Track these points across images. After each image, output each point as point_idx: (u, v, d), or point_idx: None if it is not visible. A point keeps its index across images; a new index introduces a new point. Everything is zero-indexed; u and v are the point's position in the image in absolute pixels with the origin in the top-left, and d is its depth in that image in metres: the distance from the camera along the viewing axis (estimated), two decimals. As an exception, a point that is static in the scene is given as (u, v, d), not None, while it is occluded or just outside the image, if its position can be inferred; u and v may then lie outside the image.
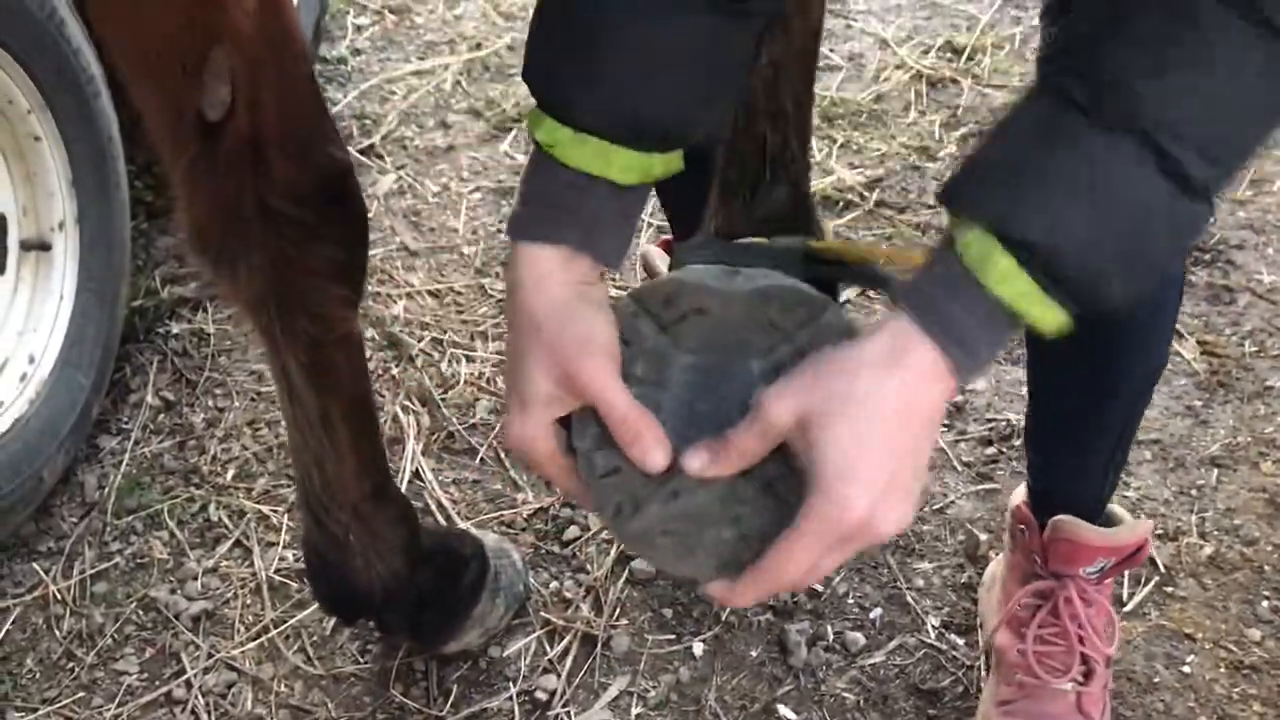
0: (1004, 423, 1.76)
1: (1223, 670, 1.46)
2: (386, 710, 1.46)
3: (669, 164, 0.82)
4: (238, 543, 1.66)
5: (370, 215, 1.45)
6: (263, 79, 1.08)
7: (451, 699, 1.47)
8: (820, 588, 1.57)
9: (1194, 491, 1.65)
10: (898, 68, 2.46)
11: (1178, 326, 1.87)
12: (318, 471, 1.32)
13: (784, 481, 0.77)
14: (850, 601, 1.55)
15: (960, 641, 1.50)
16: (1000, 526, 1.62)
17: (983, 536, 1.61)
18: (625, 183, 0.80)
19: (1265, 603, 1.52)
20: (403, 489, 1.70)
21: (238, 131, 1.11)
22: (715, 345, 0.81)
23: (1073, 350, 1.15)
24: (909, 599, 1.55)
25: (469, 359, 1.90)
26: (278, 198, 1.16)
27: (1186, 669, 1.46)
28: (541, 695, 1.47)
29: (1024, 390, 1.79)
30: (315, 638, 1.55)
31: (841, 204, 2.16)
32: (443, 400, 1.84)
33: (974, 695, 1.44)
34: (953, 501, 1.67)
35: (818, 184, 2.21)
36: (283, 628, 1.55)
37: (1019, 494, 1.42)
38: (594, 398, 0.79)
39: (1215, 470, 1.68)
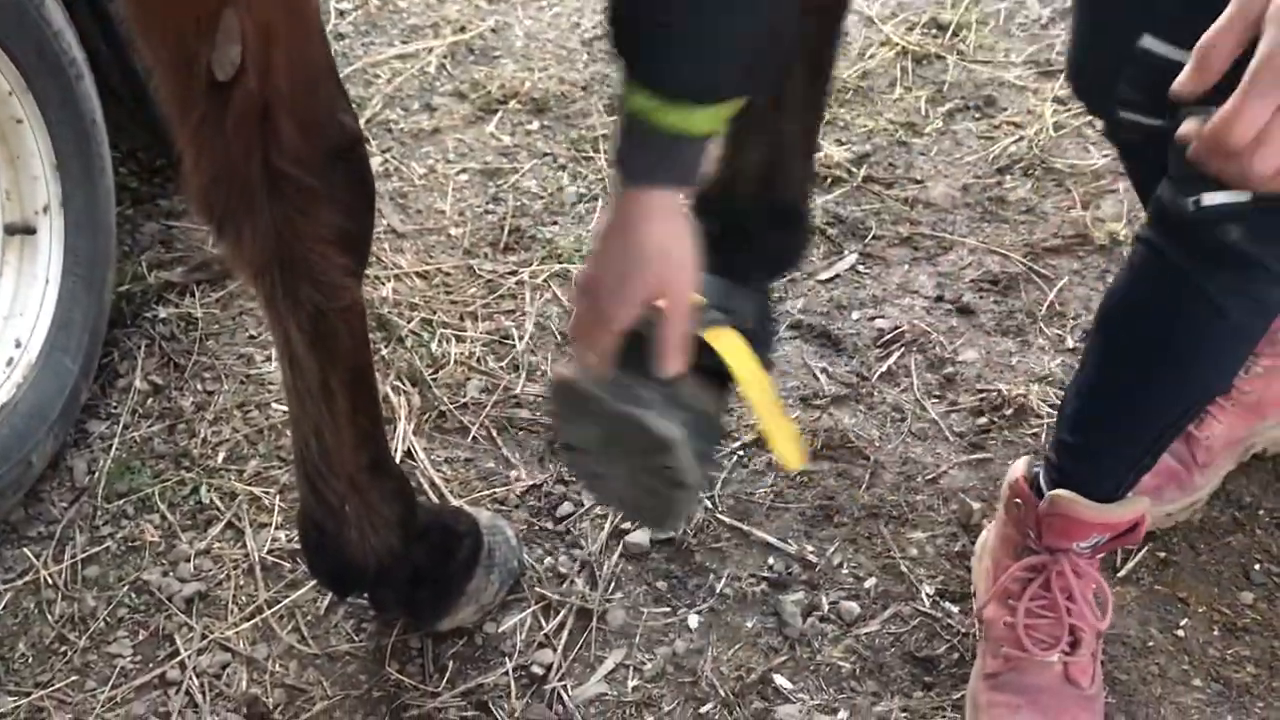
0: (995, 393, 1.76)
1: (1216, 633, 1.46)
2: (382, 688, 1.46)
3: (734, 110, 1.01)
4: (229, 524, 1.66)
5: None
6: (274, 40, 1.06)
7: (447, 675, 1.47)
8: (814, 559, 1.57)
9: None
10: (883, 44, 2.46)
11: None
12: (316, 441, 1.32)
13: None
14: (845, 572, 1.55)
15: (955, 609, 1.50)
16: (993, 495, 1.63)
17: (975, 505, 1.61)
18: (703, 133, 1.00)
19: (1258, 566, 1.53)
20: (395, 469, 1.69)
21: (247, 93, 1.10)
22: None
23: (1156, 354, 1.18)
24: (903, 568, 1.55)
25: (459, 339, 1.90)
26: (285, 162, 1.16)
27: (1180, 632, 1.47)
28: (538, 670, 1.47)
29: (1013, 361, 1.80)
30: (309, 617, 1.54)
31: (829, 180, 2.16)
32: (433, 380, 1.83)
33: (969, 662, 1.44)
34: (945, 471, 1.67)
35: (805, 160, 2.21)
36: (276, 608, 1.55)
37: (1018, 468, 1.41)
38: (672, 306, 1.05)
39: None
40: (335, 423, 1.31)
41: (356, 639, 1.52)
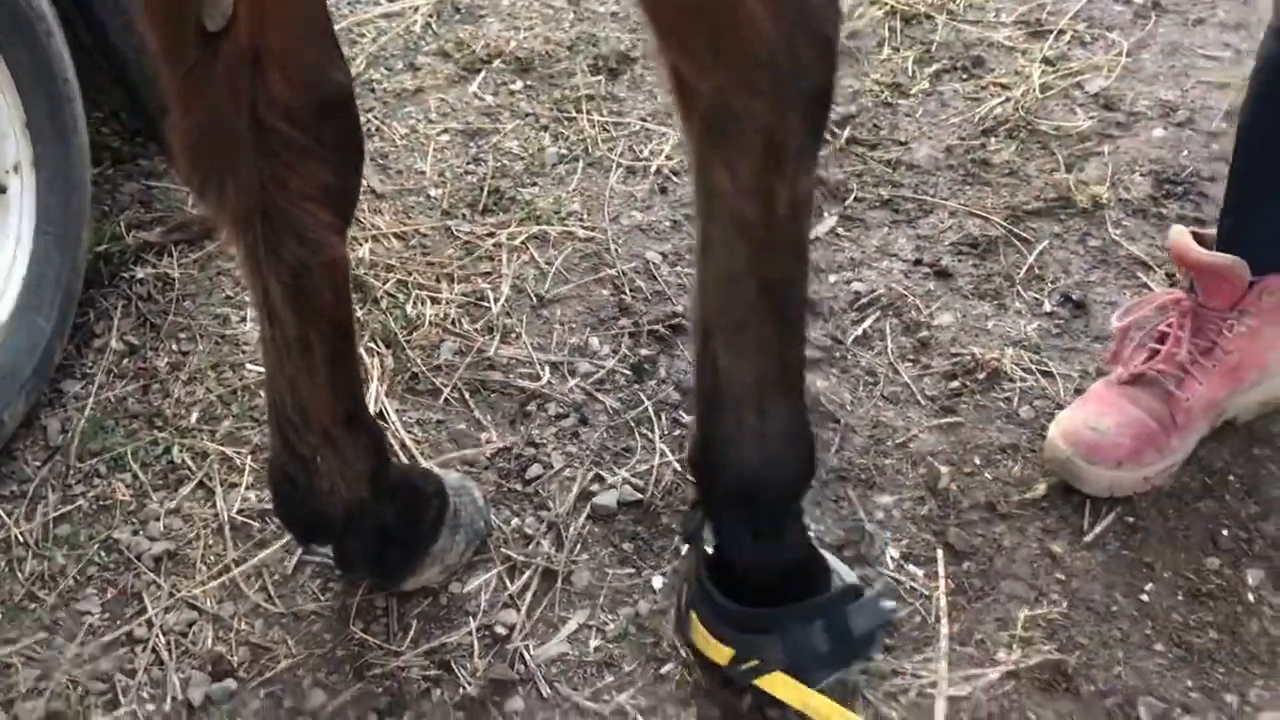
0: (968, 357, 1.75)
1: (1180, 598, 1.46)
2: (346, 647, 1.47)
3: None
4: (200, 484, 1.66)
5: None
6: None
7: (411, 634, 1.47)
8: (781, 522, 1.57)
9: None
10: (872, 3, 2.43)
11: (1144, 258, 1.87)
12: (291, 393, 1.32)
13: None
14: (810, 534, 1.55)
15: (919, 572, 1.50)
16: (962, 459, 1.62)
17: (944, 469, 1.60)
18: None
19: (1225, 532, 1.52)
20: (366, 430, 1.69)
21: (237, 45, 1.10)
22: None
23: None
24: (869, 530, 1.55)
25: (434, 301, 1.89)
26: (273, 116, 1.16)
27: (1145, 597, 1.46)
28: (501, 630, 1.47)
29: (989, 325, 1.79)
30: (277, 577, 1.55)
31: (812, 141, 2.14)
32: (407, 342, 1.83)
33: (931, 626, 1.44)
34: (915, 435, 1.66)
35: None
36: (244, 567, 1.55)
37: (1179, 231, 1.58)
38: None
39: (1180, 401, 1.67)
40: (311, 376, 1.31)
41: (322, 598, 1.52)
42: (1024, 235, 1.93)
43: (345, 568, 1.51)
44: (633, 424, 1.70)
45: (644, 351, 1.80)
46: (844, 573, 1.43)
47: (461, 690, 1.41)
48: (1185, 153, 2.05)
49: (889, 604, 1.36)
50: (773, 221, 1.11)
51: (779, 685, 1.29)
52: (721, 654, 1.32)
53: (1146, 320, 1.61)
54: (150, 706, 1.42)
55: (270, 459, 1.39)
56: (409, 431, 1.71)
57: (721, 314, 1.18)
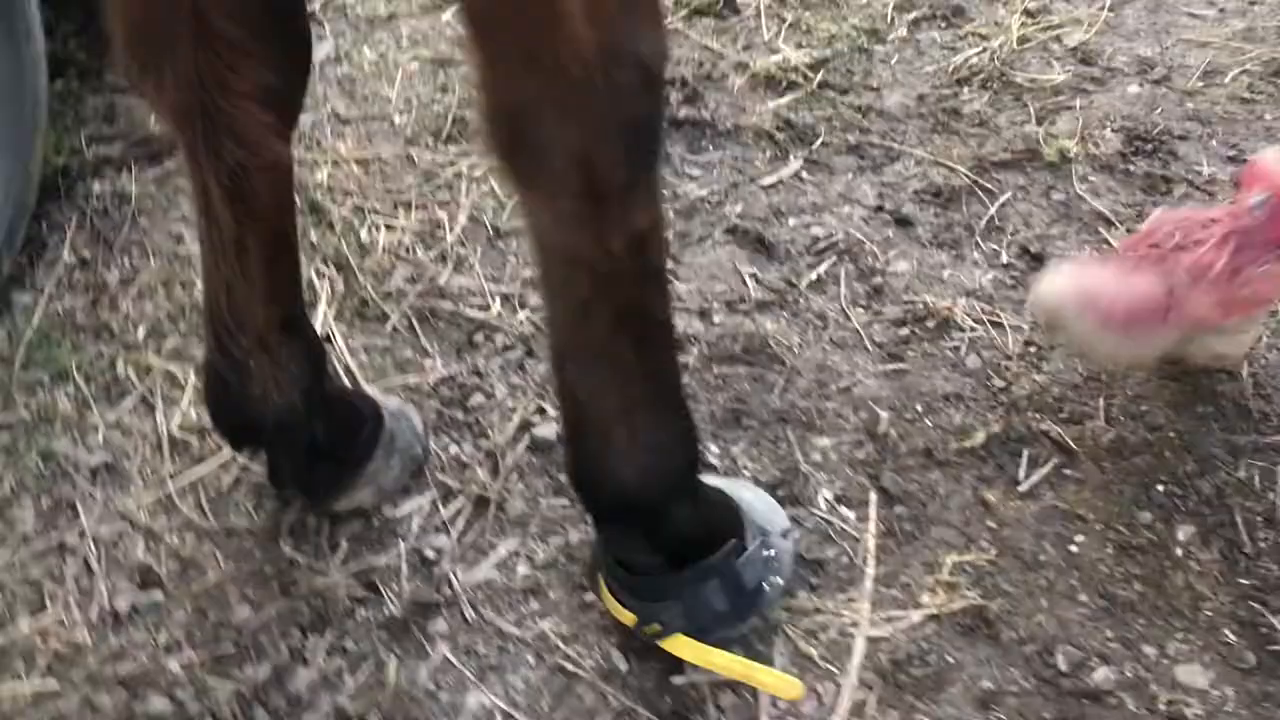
0: (920, 305, 1.73)
1: (1109, 550, 1.45)
2: (275, 564, 1.47)
3: None
4: (143, 399, 1.66)
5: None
6: None
7: (341, 554, 1.48)
8: (717, 460, 1.56)
9: (1104, 377, 1.64)
10: (857, -52, 2.39)
11: (1106, 214, 1.85)
12: (226, 295, 1.32)
13: None
14: (745, 473, 1.55)
15: (851, 515, 1.50)
16: (904, 405, 1.61)
17: (884, 414, 1.60)
18: None
19: (1160, 487, 1.51)
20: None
21: None
22: None
23: None
24: (804, 471, 1.54)
25: (389, 228, 1.88)
26: (215, 12, 1.14)
27: (1074, 548, 1.46)
28: (430, 553, 1.48)
29: (945, 275, 1.77)
30: (212, 494, 1.55)
31: (784, 84, 2.12)
32: (359, 267, 1.82)
33: (858, 567, 1.44)
34: (860, 380, 1.65)
35: (761, 62, 2.17)
36: (180, 482, 1.56)
37: None
38: None
39: (1128, 357, 1.66)
40: (248, 280, 1.31)
41: (255, 517, 1.53)
42: (988, 186, 1.91)
43: (277, 484, 1.51)
44: (579, 358, 1.70)
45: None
46: (770, 514, 1.43)
47: (387, 610, 1.42)
48: (1159, 110, 2.03)
49: (770, 552, 1.35)
50: (611, 257, 1.06)
51: (681, 646, 1.30)
52: (626, 617, 1.32)
53: (1187, 223, 1.56)
54: (76, 614, 1.42)
55: (204, 359, 1.40)
56: (354, 356, 1.71)
57: (574, 344, 1.15)
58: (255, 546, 1.49)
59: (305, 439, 1.43)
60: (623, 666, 1.36)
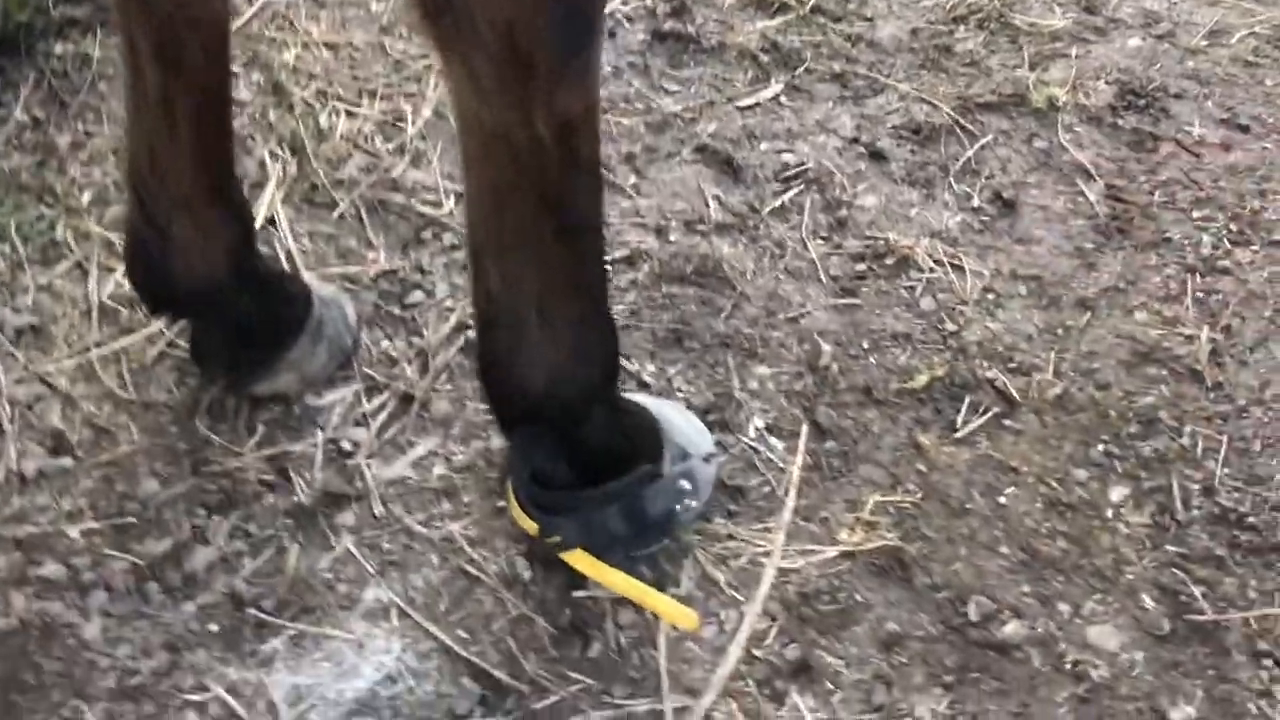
0: (882, 241, 1.68)
1: (1039, 505, 1.42)
2: (189, 441, 1.44)
3: None
4: (78, 264, 1.62)
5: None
6: None
7: (256, 438, 1.45)
8: (652, 379, 1.53)
9: (1060, 331, 1.59)
10: (870, -127, 2.30)
11: (1087, 167, 1.79)
12: (149, 153, 1.29)
13: None
14: (679, 395, 1.51)
15: (779, 445, 1.46)
16: (850, 341, 1.57)
17: (828, 348, 1.56)
18: None
19: (1100, 446, 1.47)
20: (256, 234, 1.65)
21: None
22: None
23: None
24: (738, 397, 1.51)
25: (351, 114, 1.83)
26: None
27: (1002, 500, 1.42)
28: (347, 445, 1.45)
29: (912, 213, 1.72)
30: (135, 365, 1.52)
31: (776, 5, 2.05)
32: (314, 152, 1.77)
33: (779, 498, 1.41)
34: (809, 312, 1.61)
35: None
36: (104, 351, 1.52)
37: None
38: None
39: (1087, 313, 1.61)
40: (173, 139, 1.27)
41: (175, 392, 1.49)
42: (970, 128, 1.85)
43: (199, 361, 1.48)
44: (526, 263, 1.65)
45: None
46: (696, 437, 1.40)
47: (295, 498, 1.39)
48: (1158, 66, 1.96)
49: (684, 484, 1.32)
50: (535, 140, 1.01)
51: (580, 561, 1.27)
52: (529, 526, 1.29)
53: None
54: (-17, 472, 1.40)
55: (126, 214, 1.36)
56: (297, 240, 1.66)
57: (492, 229, 1.10)
58: (171, 422, 1.47)
59: (228, 315, 1.40)
60: (526, 574, 1.33)
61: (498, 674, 1.26)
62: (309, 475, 1.42)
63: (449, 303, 1.60)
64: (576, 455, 1.24)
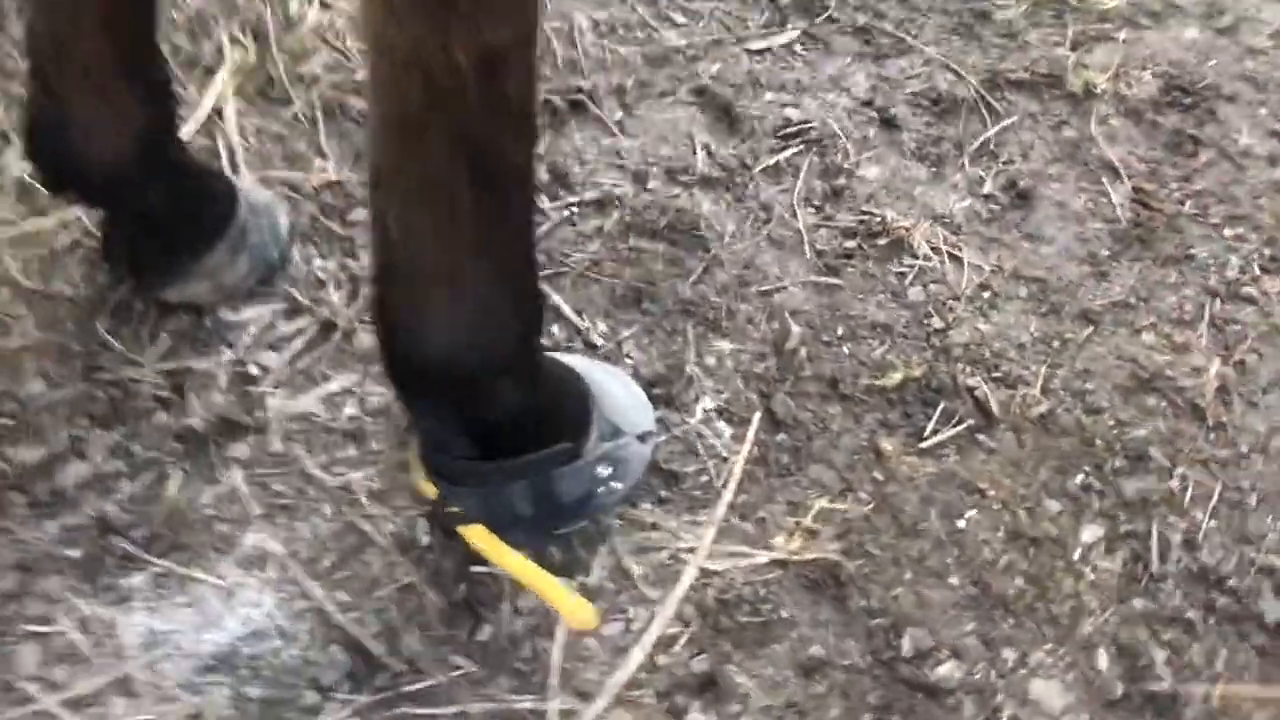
0: (878, 219, 1.53)
1: (1000, 535, 1.28)
2: (85, 343, 1.32)
3: None
4: (3, 135, 1.49)
5: None
6: None
7: (159, 349, 1.32)
8: (601, 340, 1.39)
9: (1056, 343, 1.44)
10: None
11: (1116, 165, 1.62)
12: (49, 14, 1.14)
13: None
14: (629, 361, 1.37)
15: (727, 431, 1.33)
16: (823, 325, 1.43)
17: (798, 329, 1.41)
18: None
19: (1079, 478, 1.33)
20: (199, 125, 1.51)
21: None
22: None
23: None
24: (692, 373, 1.37)
25: (324, 5, 1.67)
26: None
27: (961, 523, 1.29)
28: (254, 370, 1.32)
29: (916, 191, 1.57)
30: (44, 252, 1.39)
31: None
32: (277, 40, 1.62)
33: (716, 489, 1.28)
34: (785, 287, 1.46)
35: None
36: (12, 231, 1.39)
37: None
38: None
39: (1089, 327, 1.46)
40: (75, 9, 1.13)
41: (81, 287, 1.36)
42: (995, 105, 1.68)
43: (107, 255, 1.35)
44: (487, 194, 1.51)
45: (529, 120, 1.59)
46: (635, 413, 1.26)
47: (187, 420, 1.27)
48: (1213, 62, 1.78)
49: (604, 470, 1.18)
50: (454, 71, 0.86)
51: (477, 536, 1.14)
52: (430, 490, 1.16)
53: None
54: None
55: (26, 87, 1.22)
56: (242, 135, 1.52)
57: (396, 168, 0.95)
58: (70, 319, 1.34)
59: (137, 208, 1.27)
60: (423, 540, 1.21)
61: (373, 647, 1.14)
62: (205, 397, 1.29)
63: (395, 226, 1.46)
64: (476, 428, 1.10)
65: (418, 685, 1.12)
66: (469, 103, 0.89)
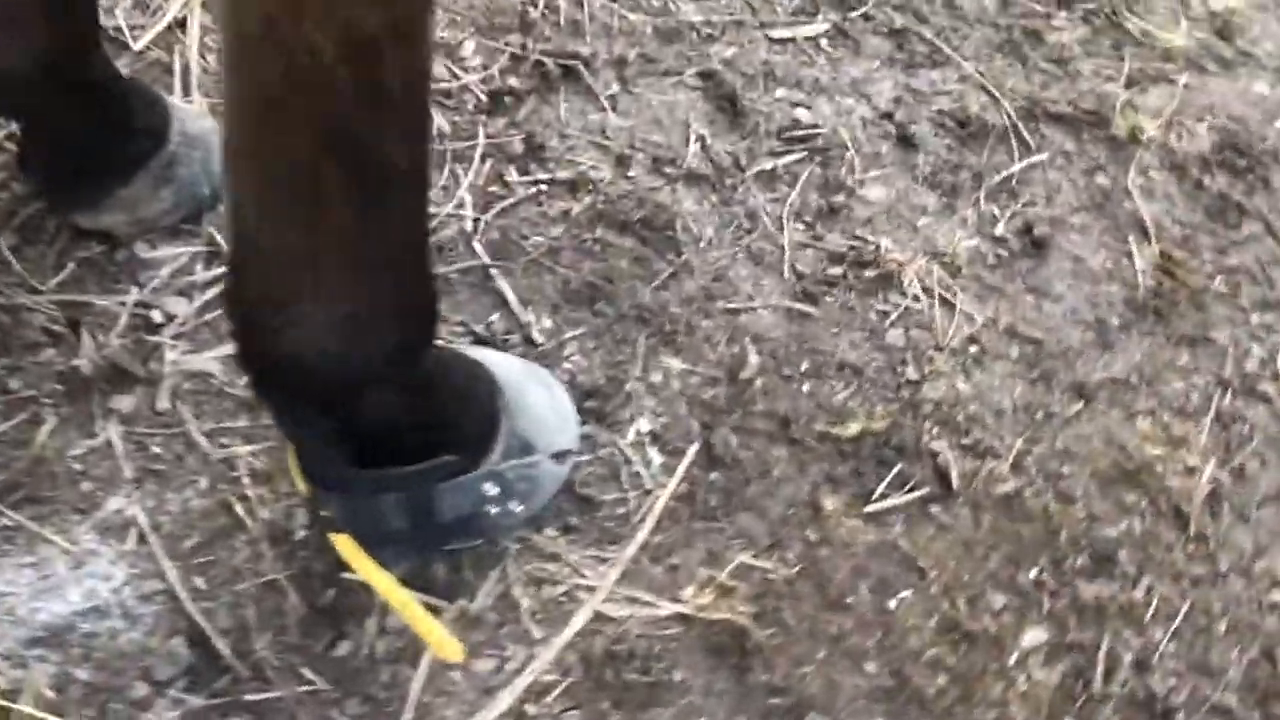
0: (871, 247, 1.39)
1: (932, 624, 1.16)
2: (-15, 259, 1.22)
3: None
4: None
5: None
6: None
7: (61, 276, 1.22)
8: (542, 339, 1.27)
9: (1040, 415, 1.31)
10: None
11: (1147, 224, 1.47)
12: None
13: None
14: (565, 365, 1.26)
15: (657, 460, 1.21)
16: (786, 359, 1.30)
17: (757, 359, 1.28)
18: None
19: (1034, 571, 1.20)
20: (155, 35, 1.40)
21: None
22: None
23: None
24: (632, 389, 1.25)
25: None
26: None
27: (892, 604, 1.17)
28: (159, 317, 1.22)
29: (920, 221, 1.44)
30: (-38, 153, 1.29)
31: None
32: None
33: (633, 524, 1.16)
34: (755, 309, 1.33)
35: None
36: (-71, 128, 1.29)
37: None
38: None
39: (1080, 403, 1.32)
40: None
41: (-6, 195, 1.27)
42: (1027, 137, 1.53)
43: (21, 166, 1.24)
44: (453, 156, 1.39)
45: (514, 81, 1.46)
46: (555, 427, 1.15)
47: (75, 362, 1.17)
48: (1279, 124, 1.61)
49: (492, 489, 1.07)
50: (312, 52, 0.74)
51: (345, 547, 1.02)
52: (303, 487, 1.05)
53: None
54: None
55: None
56: (201, 55, 1.41)
57: (252, 145, 0.82)
58: (-29, 230, 1.24)
59: (50, 124, 1.16)
60: (298, 534, 1.11)
61: (219, 644, 1.04)
62: (102, 338, 1.19)
63: (345, 178, 1.34)
64: (344, 436, 0.99)
65: (259, 696, 1.03)
66: (335, 90, 0.76)
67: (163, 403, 1.16)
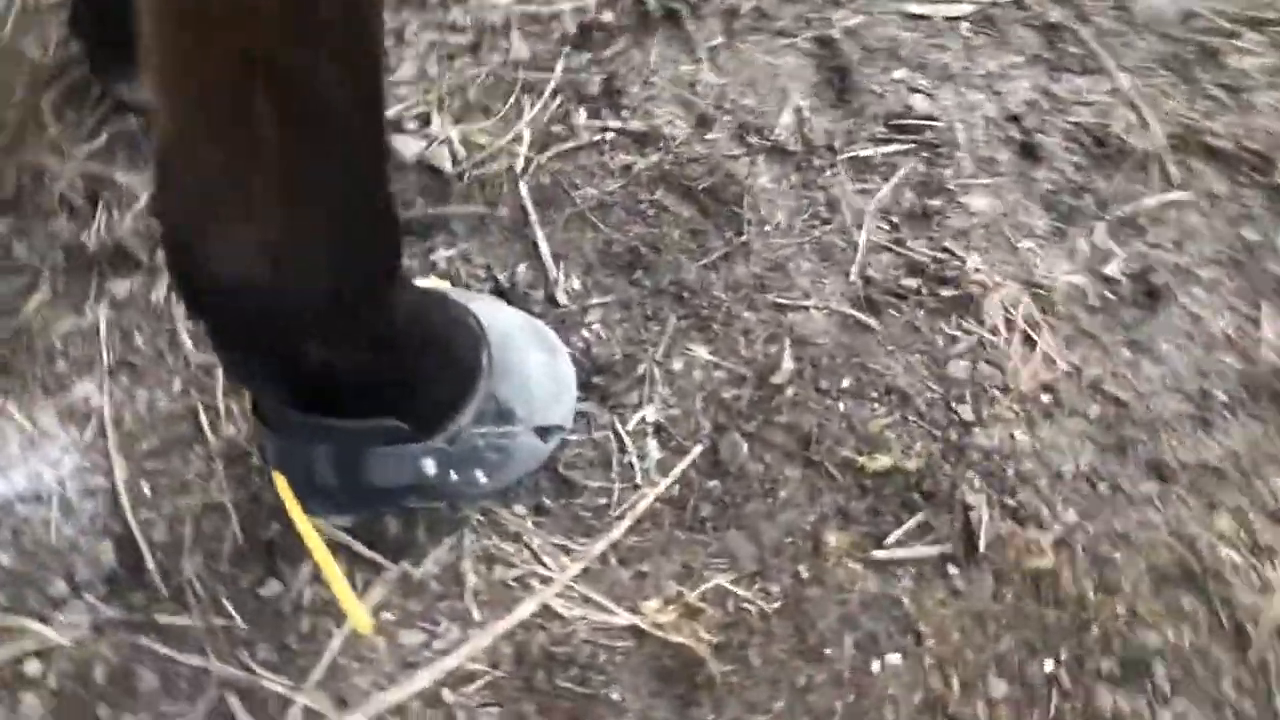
0: (956, 263, 1.24)
1: (917, 698, 1.03)
2: (26, 113, 1.20)
3: None
4: None
5: None
6: None
7: (91, 145, 1.20)
8: (566, 299, 1.17)
9: (1105, 488, 1.14)
10: None
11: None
12: None
13: None
14: (584, 333, 1.16)
15: (655, 454, 1.10)
16: (827, 370, 1.17)
17: (792, 365, 1.16)
18: None
19: (1049, 663, 1.05)
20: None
21: None
22: None
23: None
24: (646, 370, 1.14)
25: None
26: None
27: (877, 666, 1.03)
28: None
29: (1024, 244, 1.28)
30: (15, 11, 1.26)
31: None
32: None
33: (610, 519, 1.06)
34: (808, 308, 1.20)
35: None
36: (6, -29, 1.27)
37: None
38: None
39: (1156, 483, 1.15)
40: None
41: (49, 51, 1.23)
42: (1171, 169, 1.34)
43: (72, 27, 1.20)
44: (523, 86, 1.29)
45: (608, 16, 1.35)
46: (547, 399, 1.05)
47: (85, 236, 1.14)
48: None
49: (430, 466, 0.97)
50: None
51: (280, 484, 0.96)
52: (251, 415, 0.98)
53: None
54: None
55: None
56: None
57: (180, 65, 0.71)
58: (22, 82, 1.21)
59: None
60: (256, 459, 1.05)
61: (148, 557, 1.00)
62: (115, 218, 1.15)
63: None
64: (279, 378, 0.91)
65: (171, 619, 0.98)
66: (263, 18, 0.67)
67: (158, 294, 1.12)
